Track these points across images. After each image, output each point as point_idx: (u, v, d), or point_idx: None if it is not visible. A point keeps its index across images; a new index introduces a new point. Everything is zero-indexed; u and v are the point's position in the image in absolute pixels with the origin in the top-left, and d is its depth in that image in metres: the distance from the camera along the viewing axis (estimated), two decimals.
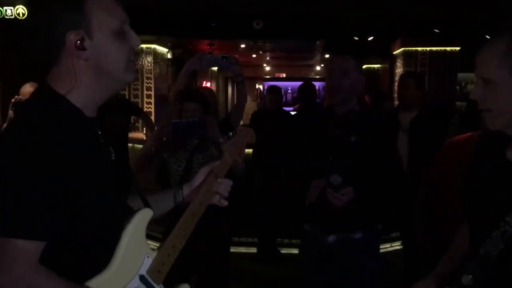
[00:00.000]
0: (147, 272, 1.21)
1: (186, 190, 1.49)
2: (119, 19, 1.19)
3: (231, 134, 1.51)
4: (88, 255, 1.14)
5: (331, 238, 2.40)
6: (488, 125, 1.31)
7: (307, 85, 5.18)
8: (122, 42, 1.19)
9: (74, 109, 1.16)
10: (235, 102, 3.40)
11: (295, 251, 4.88)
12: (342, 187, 2.20)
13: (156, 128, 3.53)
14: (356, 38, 7.39)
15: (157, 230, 1.32)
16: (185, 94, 2.73)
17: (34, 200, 1.02)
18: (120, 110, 4.57)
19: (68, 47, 1.14)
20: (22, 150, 1.04)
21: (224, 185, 1.42)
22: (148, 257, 1.22)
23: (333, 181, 2.22)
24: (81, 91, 1.17)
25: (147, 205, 1.30)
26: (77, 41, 1.13)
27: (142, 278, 1.20)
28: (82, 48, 1.14)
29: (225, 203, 1.44)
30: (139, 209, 1.23)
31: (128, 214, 1.21)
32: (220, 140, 1.49)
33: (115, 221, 1.18)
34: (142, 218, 1.22)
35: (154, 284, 1.23)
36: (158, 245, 1.32)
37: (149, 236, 1.26)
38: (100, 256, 1.14)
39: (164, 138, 2.77)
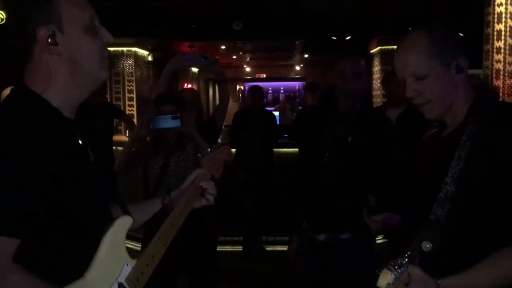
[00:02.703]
0: (126, 280, 1.19)
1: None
2: (88, 14, 1.18)
3: (209, 150, 1.61)
4: (65, 260, 1.11)
5: (322, 236, 2.43)
6: (427, 115, 1.40)
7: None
8: (94, 37, 1.19)
9: (50, 108, 1.15)
10: (218, 102, 3.43)
11: (280, 248, 4.96)
12: (376, 211, 2.06)
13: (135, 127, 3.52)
14: (334, 38, 7.50)
15: (139, 232, 1.33)
16: (162, 97, 2.77)
17: (8, 198, 1.00)
18: (103, 113, 4.57)
19: (40, 43, 1.13)
20: None
21: (211, 186, 1.52)
22: (127, 265, 1.20)
23: (370, 201, 2.21)
24: (57, 89, 1.16)
25: (126, 213, 1.27)
26: (48, 36, 1.12)
27: (120, 286, 1.18)
28: (54, 43, 1.13)
29: (211, 199, 1.52)
30: (118, 217, 1.21)
31: (108, 220, 1.19)
32: (199, 155, 1.59)
33: (95, 225, 1.16)
34: (121, 225, 1.20)
35: None
36: (139, 245, 1.33)
37: (129, 237, 1.26)
38: (78, 262, 1.11)
39: (143, 137, 2.80)
